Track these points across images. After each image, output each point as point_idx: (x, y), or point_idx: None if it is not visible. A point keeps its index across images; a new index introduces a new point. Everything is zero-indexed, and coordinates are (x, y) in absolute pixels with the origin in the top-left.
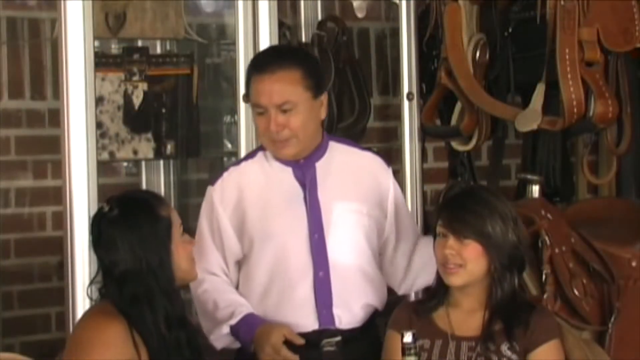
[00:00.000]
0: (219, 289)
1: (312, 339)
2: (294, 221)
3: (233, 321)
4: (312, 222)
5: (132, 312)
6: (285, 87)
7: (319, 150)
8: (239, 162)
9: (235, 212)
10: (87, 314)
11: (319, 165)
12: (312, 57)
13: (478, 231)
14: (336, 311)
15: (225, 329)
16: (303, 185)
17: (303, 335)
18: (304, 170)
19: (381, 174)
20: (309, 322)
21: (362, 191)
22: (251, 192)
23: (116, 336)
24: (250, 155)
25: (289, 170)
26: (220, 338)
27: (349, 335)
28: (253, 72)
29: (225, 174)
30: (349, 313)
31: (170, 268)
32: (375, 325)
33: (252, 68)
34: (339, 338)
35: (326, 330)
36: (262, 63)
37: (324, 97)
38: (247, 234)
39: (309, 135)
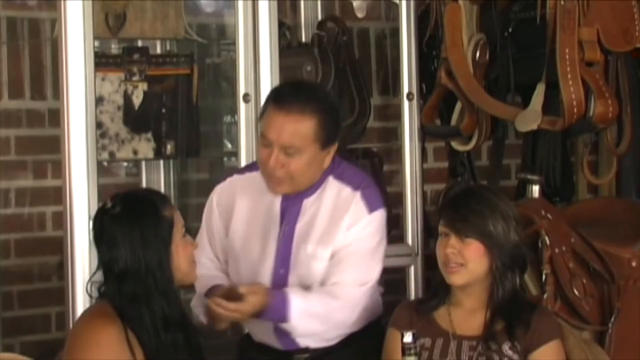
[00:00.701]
0: (209, 274)
1: (283, 353)
2: (265, 251)
3: (203, 292)
4: (280, 256)
5: (129, 312)
6: (296, 131)
7: (312, 187)
8: (243, 170)
9: (226, 219)
10: (84, 315)
11: (306, 202)
12: (333, 107)
13: (480, 230)
14: (299, 339)
15: (198, 300)
16: (283, 218)
17: (273, 351)
18: (290, 205)
19: (354, 222)
20: (276, 345)
21: (337, 234)
22: (239, 209)
23: (111, 338)
24: (257, 166)
25: (277, 200)
26: (198, 309)
27: (319, 353)
28: (272, 101)
29: (229, 180)
30: (313, 341)
31: (169, 269)
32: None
33: (272, 97)
34: (307, 355)
35: (295, 350)
36: (282, 97)
37: (332, 148)
38: (228, 246)
39: (305, 180)
